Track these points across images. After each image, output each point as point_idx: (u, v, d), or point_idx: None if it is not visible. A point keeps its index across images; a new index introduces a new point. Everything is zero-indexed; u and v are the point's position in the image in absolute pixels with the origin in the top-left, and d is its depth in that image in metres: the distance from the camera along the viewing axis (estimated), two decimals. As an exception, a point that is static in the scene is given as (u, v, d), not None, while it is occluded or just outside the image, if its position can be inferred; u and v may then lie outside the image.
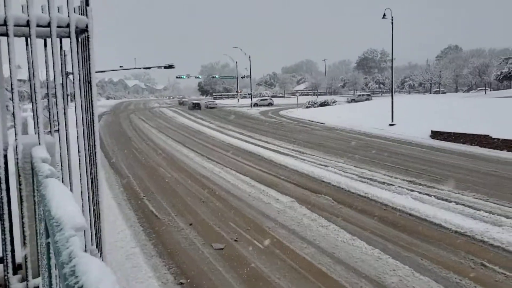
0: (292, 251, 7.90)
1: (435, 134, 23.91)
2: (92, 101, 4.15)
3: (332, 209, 10.38)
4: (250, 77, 74.23)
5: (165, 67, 48.14)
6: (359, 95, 73.28)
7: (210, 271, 7.12)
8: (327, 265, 7.23)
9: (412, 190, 11.86)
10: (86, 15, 3.98)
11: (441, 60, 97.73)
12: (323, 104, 60.26)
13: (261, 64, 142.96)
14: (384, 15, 29.88)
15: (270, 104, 69.28)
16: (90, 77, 4.12)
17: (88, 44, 4.05)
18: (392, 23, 29.93)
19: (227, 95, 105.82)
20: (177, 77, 76.05)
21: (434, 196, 11.27)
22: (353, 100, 66.66)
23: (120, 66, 57.38)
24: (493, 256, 7.44)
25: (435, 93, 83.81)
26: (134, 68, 60.79)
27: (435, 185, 12.51)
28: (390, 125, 29.31)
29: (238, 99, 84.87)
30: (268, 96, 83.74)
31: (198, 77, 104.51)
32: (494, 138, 20.27)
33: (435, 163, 16.27)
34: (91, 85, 4.14)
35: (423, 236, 8.49)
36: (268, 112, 51.01)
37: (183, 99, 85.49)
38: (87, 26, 3.98)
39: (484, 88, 75.04)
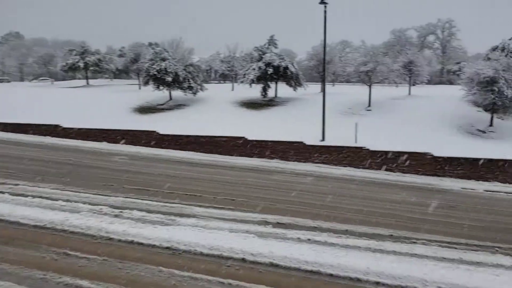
0: None
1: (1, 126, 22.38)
2: None
3: None
4: None
5: None
6: None
7: None
8: None
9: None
10: None
11: (3, 47, 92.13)
12: None
13: None
14: None
15: None
16: None
17: None
18: None
19: None
20: None
21: (8, 193, 10.56)
22: None
23: None
24: (75, 243, 7.69)
25: (0, 82, 78.43)
26: None
27: (8, 181, 11.73)
28: None
29: None
30: None
31: None
32: (65, 128, 21.02)
33: (7, 157, 15.31)
34: None
35: (1, 239, 7.81)
36: None
37: None
38: None
39: (49, 78, 75.98)
